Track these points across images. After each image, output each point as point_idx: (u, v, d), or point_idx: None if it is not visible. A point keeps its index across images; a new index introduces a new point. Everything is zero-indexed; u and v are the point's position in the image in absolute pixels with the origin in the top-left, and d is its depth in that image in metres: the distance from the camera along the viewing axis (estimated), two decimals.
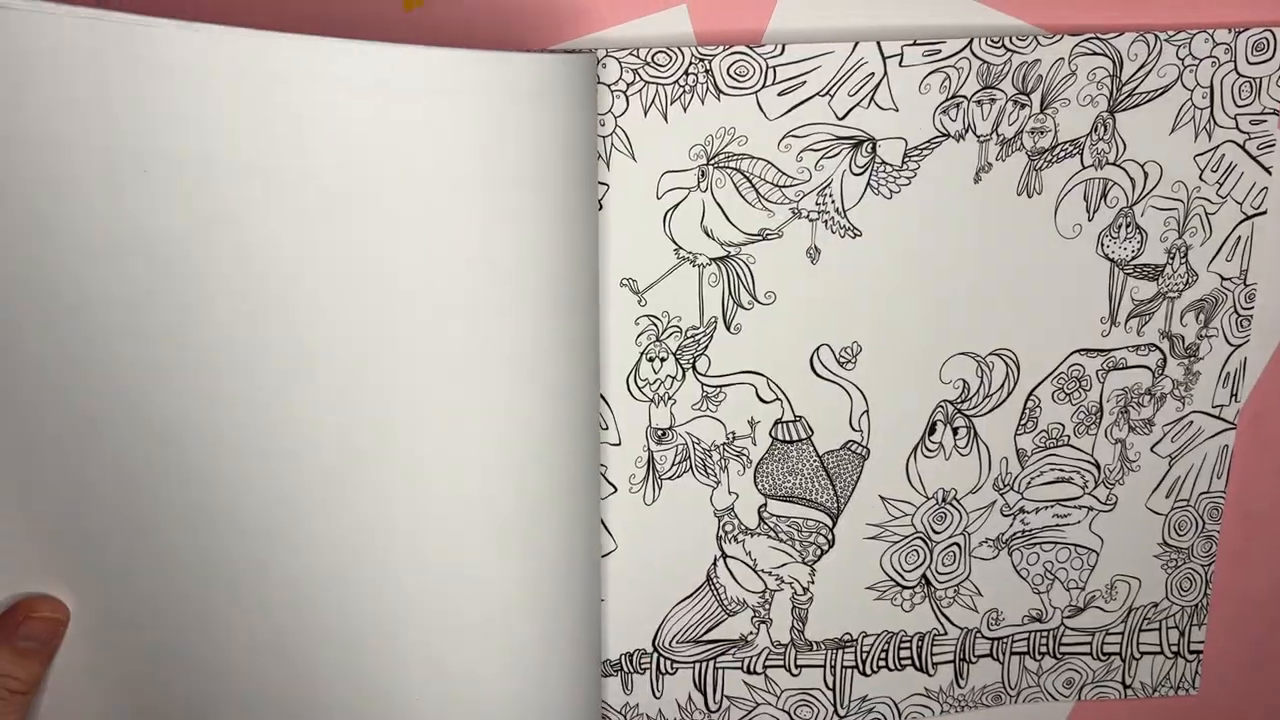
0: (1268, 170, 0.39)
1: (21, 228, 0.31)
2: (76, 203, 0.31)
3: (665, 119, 0.36)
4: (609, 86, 0.36)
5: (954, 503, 0.42)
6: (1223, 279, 0.40)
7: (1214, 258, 0.40)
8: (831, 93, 0.36)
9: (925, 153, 0.37)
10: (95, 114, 0.30)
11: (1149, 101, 0.38)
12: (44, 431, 0.34)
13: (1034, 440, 0.42)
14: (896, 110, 0.37)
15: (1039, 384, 0.41)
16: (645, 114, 0.36)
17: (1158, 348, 0.41)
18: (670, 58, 0.36)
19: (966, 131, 0.37)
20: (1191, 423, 0.42)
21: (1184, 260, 0.40)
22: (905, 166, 0.37)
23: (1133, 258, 0.40)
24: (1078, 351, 0.41)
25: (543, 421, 0.35)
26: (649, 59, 0.35)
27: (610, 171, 0.36)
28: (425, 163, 0.31)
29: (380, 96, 0.30)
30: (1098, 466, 0.42)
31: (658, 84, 0.36)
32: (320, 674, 0.37)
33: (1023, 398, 0.41)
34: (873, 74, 0.36)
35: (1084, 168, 0.38)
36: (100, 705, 0.38)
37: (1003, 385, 0.41)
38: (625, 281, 0.38)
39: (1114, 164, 0.38)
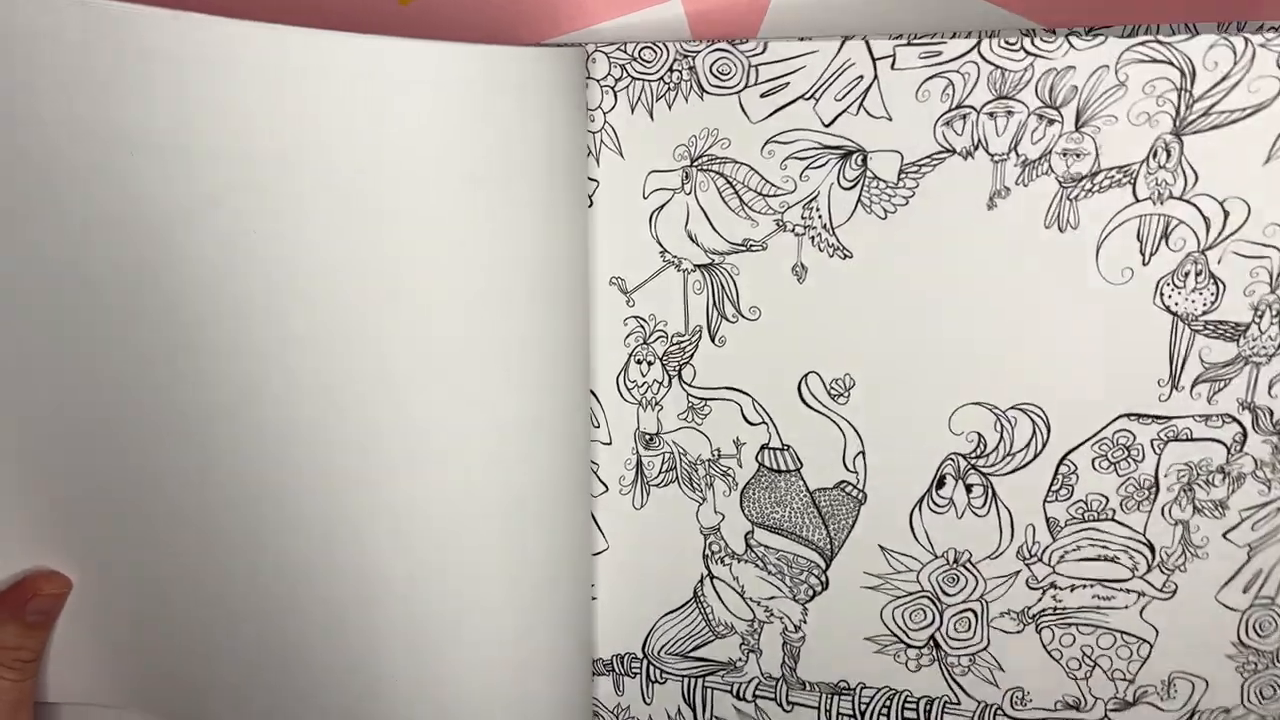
0: None
1: (14, 208, 0.32)
2: (67, 185, 0.31)
3: (651, 116, 0.34)
4: (598, 82, 0.34)
5: (968, 566, 0.37)
6: None
7: None
8: (816, 96, 0.32)
9: (925, 169, 0.32)
10: (83, 97, 0.30)
11: (1233, 123, 0.30)
12: (41, 411, 0.35)
13: (1068, 510, 0.35)
14: (890, 119, 0.32)
15: (1075, 448, 0.35)
16: (632, 111, 0.34)
17: (1236, 419, 0.33)
18: (656, 53, 0.33)
19: (976, 148, 0.32)
20: None
21: (1276, 320, 0.32)
22: (902, 184, 0.33)
23: (1204, 312, 0.32)
24: (1126, 415, 0.34)
25: (530, 416, 0.34)
26: (636, 54, 0.34)
27: (600, 168, 0.35)
28: (413, 155, 0.31)
29: (370, 88, 0.30)
30: (1151, 548, 0.35)
31: (644, 80, 0.34)
32: (305, 659, 0.37)
33: (1054, 461, 0.35)
34: (860, 77, 0.32)
35: (1137, 201, 0.32)
36: (94, 670, 0.39)
37: (1029, 445, 0.35)
38: (614, 280, 0.36)
39: (1180, 199, 0.31)
